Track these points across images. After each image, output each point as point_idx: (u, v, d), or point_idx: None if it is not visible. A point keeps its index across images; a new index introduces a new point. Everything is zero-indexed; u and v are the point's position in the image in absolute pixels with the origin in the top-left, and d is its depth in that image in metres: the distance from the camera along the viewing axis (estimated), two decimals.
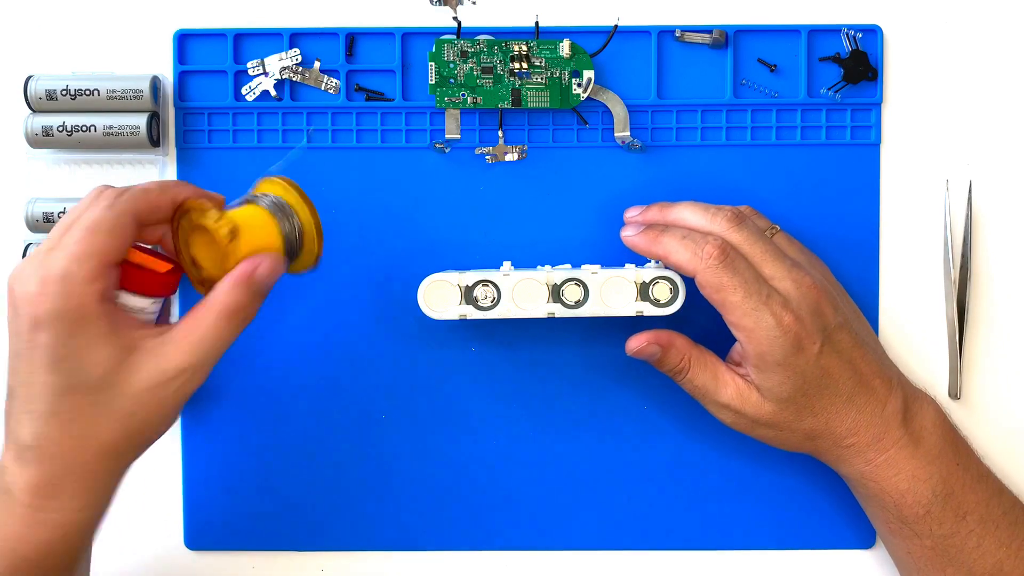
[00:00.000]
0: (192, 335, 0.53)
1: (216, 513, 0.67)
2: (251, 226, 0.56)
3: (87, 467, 0.52)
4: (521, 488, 0.67)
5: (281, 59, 0.66)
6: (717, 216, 0.59)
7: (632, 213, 0.63)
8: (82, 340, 0.50)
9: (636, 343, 0.61)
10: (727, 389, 0.60)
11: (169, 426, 0.54)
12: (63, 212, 0.65)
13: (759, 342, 0.57)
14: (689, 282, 0.59)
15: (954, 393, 0.66)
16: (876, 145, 0.67)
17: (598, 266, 0.59)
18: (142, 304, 0.55)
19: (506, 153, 0.67)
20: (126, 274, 0.54)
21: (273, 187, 0.57)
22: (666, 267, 0.60)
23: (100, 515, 0.54)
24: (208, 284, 0.55)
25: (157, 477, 0.67)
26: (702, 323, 0.63)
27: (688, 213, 0.60)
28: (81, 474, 0.52)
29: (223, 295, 0.53)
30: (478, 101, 0.65)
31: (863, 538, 0.67)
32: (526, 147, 0.67)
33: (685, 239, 0.58)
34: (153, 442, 0.54)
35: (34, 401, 0.51)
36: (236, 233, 0.55)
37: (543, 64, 0.65)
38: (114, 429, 0.52)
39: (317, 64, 0.66)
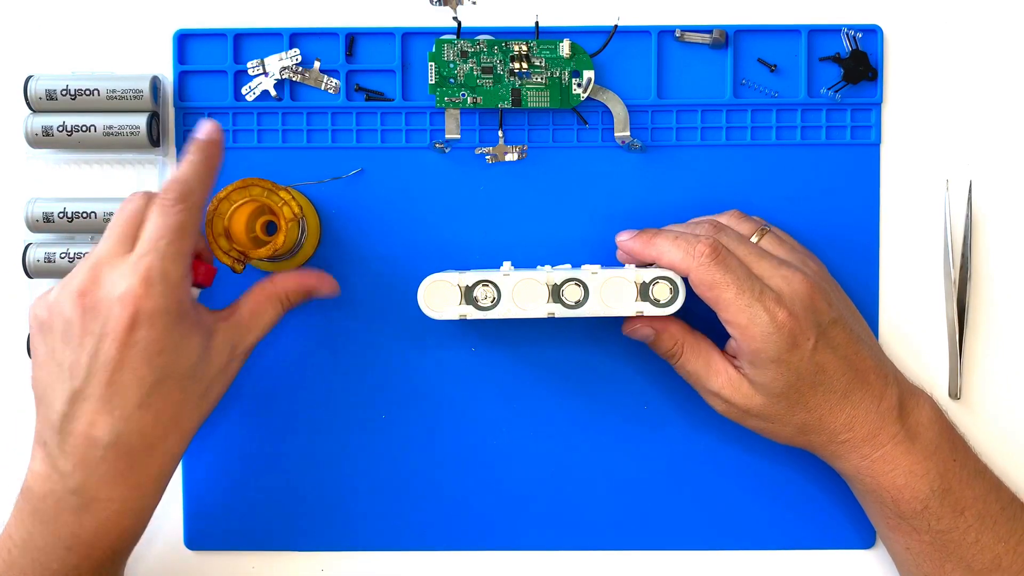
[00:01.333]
0: (255, 319, 0.60)
1: (216, 513, 0.67)
2: (309, 213, 0.65)
3: (166, 455, 0.56)
4: (521, 488, 0.67)
5: (281, 59, 0.66)
6: (696, 243, 0.58)
7: (623, 237, 0.63)
8: (178, 333, 0.54)
9: (632, 324, 0.62)
10: (719, 377, 0.61)
11: (217, 402, 0.59)
12: (63, 212, 0.65)
13: (753, 338, 0.57)
14: (688, 282, 0.59)
15: (954, 393, 0.67)
16: (876, 145, 0.67)
17: (598, 266, 0.59)
18: (195, 293, 0.59)
19: (506, 153, 0.67)
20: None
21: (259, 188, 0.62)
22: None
23: (155, 505, 0.58)
24: (235, 256, 0.61)
25: None
26: (702, 323, 0.63)
27: (666, 247, 0.59)
28: (153, 464, 0.55)
29: (289, 286, 0.61)
30: (478, 101, 0.65)
31: (863, 538, 0.67)
32: (526, 147, 0.67)
33: (677, 239, 0.59)
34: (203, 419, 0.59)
35: (118, 399, 0.54)
36: (299, 216, 0.61)
37: (543, 64, 0.65)
38: (194, 412, 0.56)
39: (317, 64, 0.66)
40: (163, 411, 0.55)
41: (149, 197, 0.57)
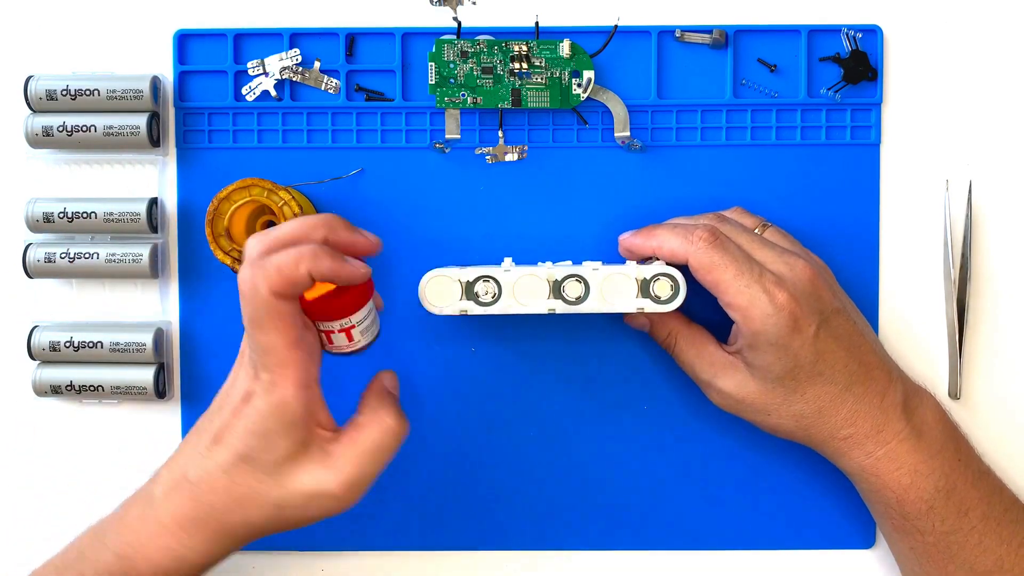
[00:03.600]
0: (356, 448, 0.55)
1: None
2: (309, 213, 0.64)
3: (226, 527, 0.54)
4: (521, 487, 0.67)
5: (281, 59, 0.66)
6: (695, 230, 0.59)
7: (625, 235, 0.63)
8: (275, 427, 0.53)
9: (629, 314, 0.63)
10: (712, 367, 0.61)
11: (310, 523, 0.55)
12: (63, 212, 0.65)
13: (753, 320, 0.57)
14: (689, 279, 0.59)
15: (954, 393, 0.66)
16: (876, 145, 0.67)
17: (599, 262, 0.59)
18: (336, 325, 0.56)
19: (506, 153, 0.67)
20: (314, 309, 0.55)
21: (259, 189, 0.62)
22: (666, 264, 0.60)
23: (214, 564, 0.56)
24: (236, 256, 0.61)
25: None
26: (703, 323, 0.63)
27: (666, 236, 0.60)
28: (217, 528, 0.54)
29: (391, 389, 0.58)
30: (478, 101, 0.65)
31: (863, 538, 0.67)
32: (526, 147, 0.67)
33: (677, 228, 0.59)
34: (291, 529, 0.56)
35: (214, 452, 0.54)
36: (299, 216, 0.60)
37: (543, 64, 0.65)
38: (262, 512, 0.54)
39: (317, 64, 0.66)
40: (236, 487, 0.53)
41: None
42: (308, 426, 0.53)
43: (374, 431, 0.55)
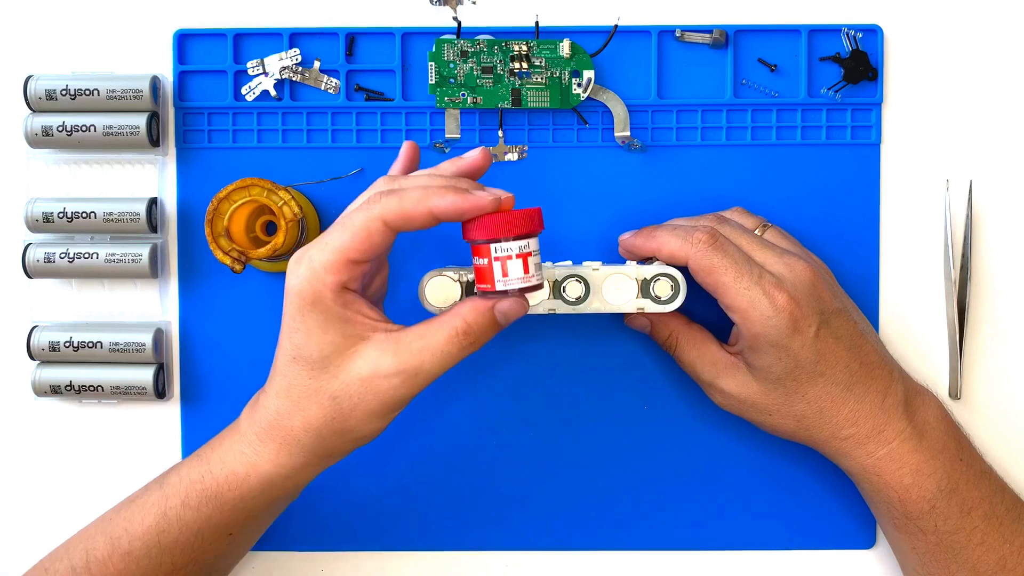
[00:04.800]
0: (419, 341, 0.53)
1: None
2: (309, 213, 0.65)
3: (292, 433, 0.55)
4: (521, 487, 0.67)
5: (281, 59, 0.66)
6: (694, 231, 0.59)
7: (625, 235, 0.63)
8: (311, 320, 0.53)
9: (631, 314, 0.63)
10: (714, 368, 0.61)
11: (373, 429, 0.55)
12: (63, 212, 0.65)
13: (753, 322, 0.57)
14: (690, 280, 0.59)
15: (954, 393, 0.66)
16: (876, 145, 0.67)
17: (599, 263, 0.59)
18: (515, 246, 0.53)
19: (506, 153, 0.67)
20: (490, 223, 0.53)
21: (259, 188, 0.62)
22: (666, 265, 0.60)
23: (285, 480, 0.56)
24: (235, 255, 0.61)
25: None
26: (705, 323, 0.63)
27: (666, 238, 0.60)
28: (283, 435, 0.55)
29: (466, 314, 0.54)
30: (478, 101, 0.65)
31: (864, 538, 0.67)
32: (526, 147, 0.67)
33: (677, 229, 0.59)
34: (356, 440, 0.55)
35: (277, 359, 0.55)
36: (299, 215, 0.62)
37: (543, 64, 0.65)
38: (320, 407, 0.54)
39: (317, 64, 0.66)
40: (292, 386, 0.54)
41: (383, 183, 0.54)
42: (346, 315, 0.53)
43: (444, 329, 0.54)
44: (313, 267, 0.53)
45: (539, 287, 0.54)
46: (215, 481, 0.56)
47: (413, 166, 0.59)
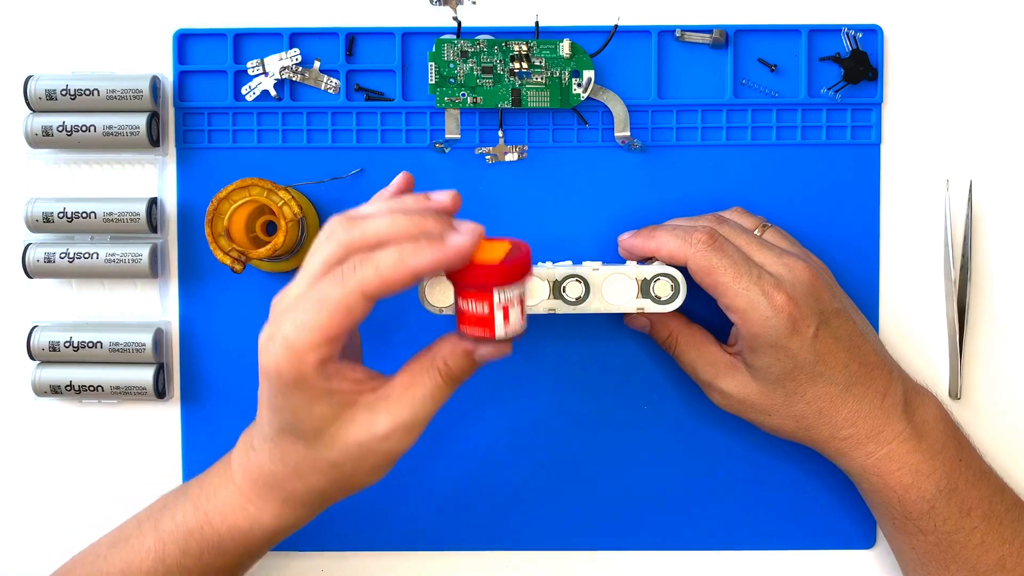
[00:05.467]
0: (407, 392, 0.52)
1: None
2: (309, 213, 0.65)
3: (293, 494, 0.55)
4: (521, 487, 0.67)
5: (281, 59, 0.66)
6: (694, 232, 0.59)
7: (625, 236, 0.63)
8: (296, 400, 0.51)
9: (629, 315, 0.63)
10: (714, 368, 0.61)
11: (378, 478, 0.54)
12: (63, 212, 0.65)
13: (752, 323, 0.57)
14: (690, 280, 0.59)
15: (954, 393, 0.66)
16: (876, 145, 0.67)
17: (599, 262, 0.59)
18: (517, 292, 0.51)
19: (506, 153, 0.67)
20: (502, 272, 0.50)
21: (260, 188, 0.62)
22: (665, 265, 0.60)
23: (289, 530, 0.57)
24: (235, 255, 0.61)
25: (157, 477, 0.67)
26: (705, 324, 0.63)
27: (665, 238, 0.60)
28: (284, 495, 0.55)
29: (447, 357, 0.53)
30: (478, 101, 0.65)
31: (864, 538, 0.67)
32: (526, 147, 0.67)
33: (676, 230, 0.59)
34: (361, 488, 0.55)
35: (264, 424, 0.54)
36: (299, 215, 0.62)
37: (543, 64, 0.65)
38: (321, 475, 0.53)
39: (317, 64, 0.66)
40: (288, 456, 0.53)
41: (339, 241, 0.50)
42: (331, 387, 0.51)
43: (430, 374, 0.53)
44: (290, 348, 0.49)
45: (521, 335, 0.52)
46: (216, 533, 0.56)
47: None
